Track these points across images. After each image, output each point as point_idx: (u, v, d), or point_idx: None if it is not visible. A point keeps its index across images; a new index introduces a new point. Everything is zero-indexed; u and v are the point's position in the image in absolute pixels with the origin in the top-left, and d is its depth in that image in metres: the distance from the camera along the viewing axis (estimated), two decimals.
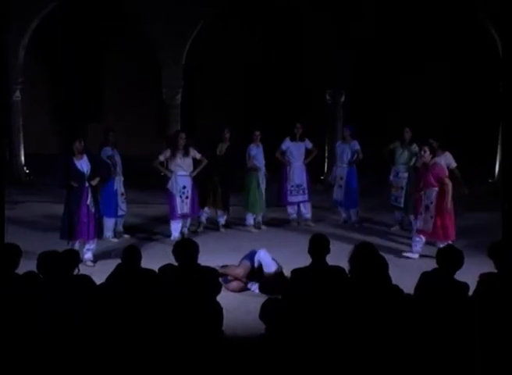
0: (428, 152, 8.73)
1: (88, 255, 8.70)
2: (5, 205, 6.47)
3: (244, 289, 7.96)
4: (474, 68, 14.95)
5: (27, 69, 13.55)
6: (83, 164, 8.49)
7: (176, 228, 9.63)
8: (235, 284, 7.92)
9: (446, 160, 9.26)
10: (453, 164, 9.38)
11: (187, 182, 9.62)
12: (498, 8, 11.22)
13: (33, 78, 14.41)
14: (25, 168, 13.68)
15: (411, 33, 14.78)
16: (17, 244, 5.67)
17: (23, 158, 13.60)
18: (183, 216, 9.68)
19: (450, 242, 8.40)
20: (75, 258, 5.80)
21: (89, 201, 8.51)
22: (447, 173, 8.80)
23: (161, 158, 9.67)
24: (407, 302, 5.32)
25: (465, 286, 5.34)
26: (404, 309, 5.22)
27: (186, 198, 9.59)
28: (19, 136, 13.40)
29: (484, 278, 5.43)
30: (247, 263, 8.02)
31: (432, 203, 8.69)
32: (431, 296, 5.25)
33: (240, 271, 7.95)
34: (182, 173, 9.59)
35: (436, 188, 8.69)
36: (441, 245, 8.09)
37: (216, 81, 15.37)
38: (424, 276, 5.45)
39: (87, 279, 5.68)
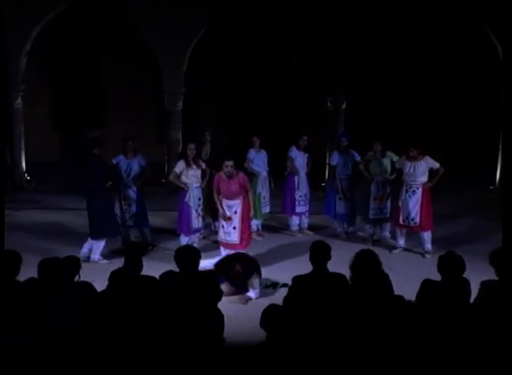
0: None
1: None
2: (6, 212, 6.46)
3: (235, 293, 7.90)
4: (474, 71, 14.94)
5: (29, 77, 13.57)
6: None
7: (185, 243, 8.82)
8: (224, 288, 7.89)
9: (428, 164, 9.30)
10: (436, 165, 9.36)
11: (201, 194, 9.24)
12: (492, 10, 11.32)
13: (34, 85, 14.42)
14: (26, 175, 13.68)
15: (410, 38, 14.77)
16: (17, 251, 5.67)
17: (24, 165, 13.61)
18: (195, 231, 9.24)
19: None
20: (76, 264, 5.80)
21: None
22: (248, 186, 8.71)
23: (177, 170, 9.21)
24: (408, 309, 5.31)
25: (466, 282, 5.34)
26: (405, 316, 5.21)
27: (202, 210, 9.20)
28: (20, 143, 13.40)
29: (485, 286, 5.43)
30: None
31: (236, 213, 8.56)
32: (433, 303, 5.24)
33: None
34: (197, 184, 9.19)
35: (241, 197, 8.56)
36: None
37: (217, 87, 15.38)
38: (426, 284, 5.45)
39: (87, 285, 5.68)
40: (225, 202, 8.62)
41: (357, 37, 12.64)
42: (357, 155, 10.16)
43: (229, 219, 8.56)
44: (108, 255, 9.22)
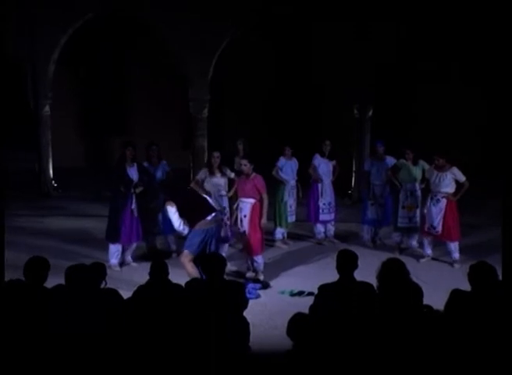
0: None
1: (129, 258, 9.25)
2: (34, 219, 6.54)
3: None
4: (505, 75, 14.71)
5: (55, 84, 13.71)
6: (133, 172, 8.91)
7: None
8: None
9: (454, 175, 9.21)
10: (462, 178, 9.26)
11: (226, 202, 9.16)
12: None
13: (61, 93, 14.57)
14: (53, 181, 13.80)
15: (435, 45, 14.65)
16: (45, 257, 5.69)
17: (51, 171, 13.73)
18: (223, 240, 8.89)
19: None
20: (102, 271, 5.80)
21: (133, 206, 8.88)
22: (265, 190, 8.63)
23: (198, 178, 9.27)
24: (437, 319, 5.24)
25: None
26: (434, 326, 5.14)
27: (228, 219, 9.01)
28: (47, 150, 13.53)
29: None
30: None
31: (245, 216, 8.57)
32: (462, 313, 5.15)
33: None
34: (221, 193, 9.17)
35: (252, 200, 8.57)
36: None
37: (242, 94, 15.42)
38: (455, 293, 5.36)
39: (113, 292, 5.69)
40: (240, 203, 8.72)
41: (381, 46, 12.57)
42: (394, 160, 10.01)
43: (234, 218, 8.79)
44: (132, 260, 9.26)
